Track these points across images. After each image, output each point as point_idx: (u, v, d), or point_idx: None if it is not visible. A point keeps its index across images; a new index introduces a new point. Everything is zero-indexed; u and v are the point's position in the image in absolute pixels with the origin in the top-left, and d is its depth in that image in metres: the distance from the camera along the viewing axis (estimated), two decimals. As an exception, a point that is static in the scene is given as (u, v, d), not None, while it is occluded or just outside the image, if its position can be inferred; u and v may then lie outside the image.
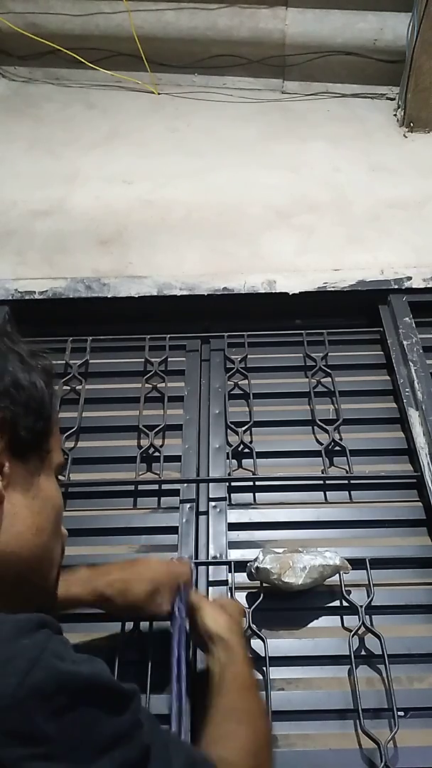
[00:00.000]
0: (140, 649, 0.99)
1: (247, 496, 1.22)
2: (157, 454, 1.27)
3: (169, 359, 1.43)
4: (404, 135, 2.07)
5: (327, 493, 1.22)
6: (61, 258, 1.67)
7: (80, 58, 2.29)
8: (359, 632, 1.01)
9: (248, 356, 1.43)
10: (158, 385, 1.40)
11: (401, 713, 0.94)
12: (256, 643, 1.01)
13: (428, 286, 1.51)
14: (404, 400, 1.32)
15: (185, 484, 1.22)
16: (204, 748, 0.63)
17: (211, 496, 1.20)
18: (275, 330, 1.50)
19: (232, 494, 1.22)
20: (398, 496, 1.21)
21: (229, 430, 1.31)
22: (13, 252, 1.70)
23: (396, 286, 1.51)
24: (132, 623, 1.01)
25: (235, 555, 1.12)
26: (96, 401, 1.38)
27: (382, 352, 1.46)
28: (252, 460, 1.25)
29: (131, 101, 2.31)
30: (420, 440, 1.25)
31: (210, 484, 1.22)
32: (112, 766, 0.45)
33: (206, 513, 1.18)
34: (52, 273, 1.61)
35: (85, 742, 0.45)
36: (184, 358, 1.45)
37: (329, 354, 1.43)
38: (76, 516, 1.17)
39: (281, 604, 1.05)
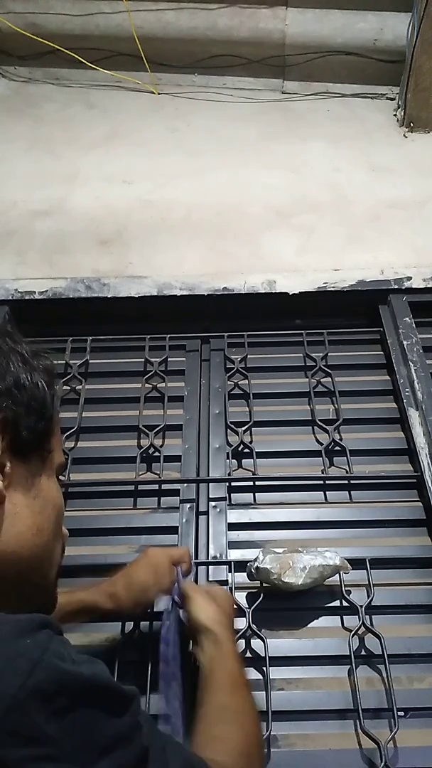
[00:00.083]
0: (140, 649, 0.99)
1: (247, 496, 1.22)
2: (157, 454, 1.27)
3: (169, 359, 1.43)
4: (404, 135, 2.07)
5: (327, 493, 1.22)
6: (61, 258, 1.67)
7: (80, 58, 2.29)
8: (359, 632, 1.01)
9: (248, 356, 1.43)
10: (158, 385, 1.40)
11: (401, 713, 0.94)
12: (256, 643, 1.01)
13: (428, 286, 1.51)
14: (404, 400, 1.32)
15: (185, 484, 1.22)
16: (195, 749, 0.63)
17: (211, 496, 1.21)
18: (275, 330, 1.50)
19: (232, 494, 1.22)
20: (398, 496, 1.21)
21: (229, 430, 1.31)
22: (13, 252, 1.70)
23: (396, 286, 1.51)
24: (132, 623, 1.02)
25: (235, 555, 1.12)
26: (96, 401, 1.38)
27: (382, 352, 1.46)
28: (252, 460, 1.25)
29: (131, 101, 2.31)
30: (420, 440, 1.25)
31: (210, 484, 1.22)
32: (111, 767, 0.45)
33: (206, 513, 1.18)
34: (52, 273, 1.61)
35: (85, 743, 0.45)
36: (184, 358, 1.45)
37: (329, 354, 1.43)
38: (76, 516, 1.17)
39: (281, 604, 1.05)
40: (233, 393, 1.38)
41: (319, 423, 1.31)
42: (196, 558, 1.12)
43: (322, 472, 1.24)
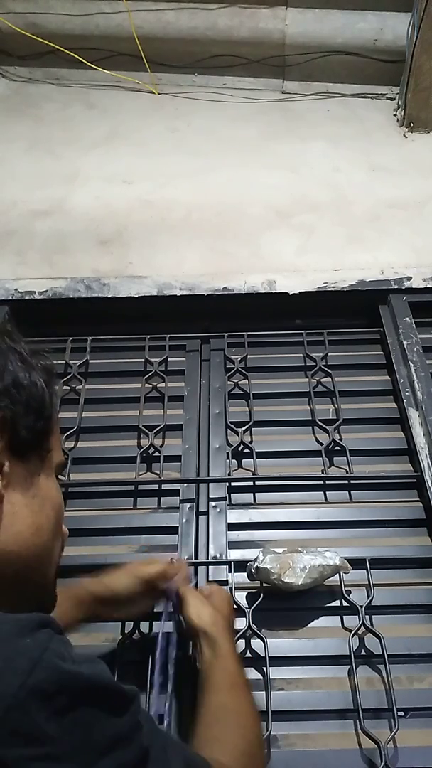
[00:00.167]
0: (140, 650, 0.99)
1: (247, 496, 1.22)
2: (157, 454, 1.27)
3: (169, 359, 1.43)
4: (404, 135, 2.07)
5: (327, 493, 1.22)
6: (61, 258, 1.67)
7: (80, 58, 2.29)
8: (359, 632, 1.01)
9: (248, 356, 1.43)
10: (158, 385, 1.40)
11: (401, 713, 0.94)
12: (256, 643, 1.01)
13: (428, 286, 1.51)
14: (404, 400, 1.32)
15: (185, 484, 1.22)
16: (195, 750, 0.63)
17: (211, 496, 1.20)
18: (275, 330, 1.50)
19: (232, 494, 1.22)
20: (398, 496, 1.21)
21: (229, 430, 1.31)
22: (13, 252, 1.70)
23: (396, 286, 1.51)
24: (132, 623, 1.01)
25: (235, 555, 1.12)
26: (96, 401, 1.38)
27: (382, 352, 1.46)
28: (252, 460, 1.25)
29: (131, 101, 2.31)
30: (420, 440, 1.25)
31: (210, 484, 1.22)
32: (111, 767, 0.45)
33: (206, 513, 1.18)
34: (52, 273, 1.61)
35: (85, 743, 0.45)
36: (184, 358, 1.45)
37: (329, 354, 1.43)
38: (76, 516, 1.17)
39: (281, 604, 1.05)
40: (233, 393, 1.38)
41: (319, 423, 1.31)
42: (196, 558, 1.12)
43: (322, 472, 1.24)
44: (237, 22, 2.20)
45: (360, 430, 1.31)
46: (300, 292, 1.51)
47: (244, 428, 1.30)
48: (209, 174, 1.93)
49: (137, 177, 1.93)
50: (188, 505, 1.19)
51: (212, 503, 1.20)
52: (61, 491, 0.65)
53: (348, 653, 0.98)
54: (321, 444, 1.28)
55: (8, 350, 0.60)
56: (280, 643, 1.02)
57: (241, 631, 0.99)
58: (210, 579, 1.08)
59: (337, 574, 1.05)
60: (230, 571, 1.07)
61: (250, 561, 1.05)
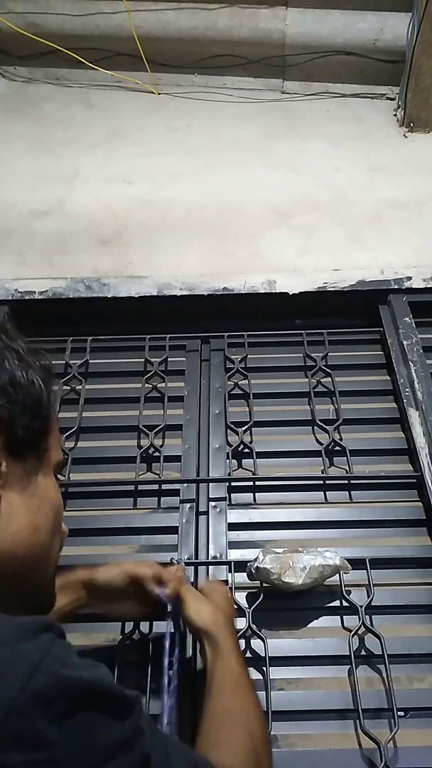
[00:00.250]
0: (140, 651, 0.99)
1: (247, 496, 1.22)
2: (157, 454, 1.27)
3: (169, 359, 1.43)
4: (404, 135, 2.07)
5: (327, 493, 1.22)
6: (61, 258, 1.67)
7: (80, 58, 2.29)
8: (359, 632, 1.01)
9: (248, 356, 1.43)
10: (158, 385, 1.40)
11: (401, 713, 0.94)
12: (256, 643, 1.01)
13: (428, 286, 1.51)
14: (404, 400, 1.32)
15: (185, 484, 1.22)
16: (199, 752, 0.62)
17: (211, 496, 1.20)
18: (275, 330, 1.50)
19: (232, 494, 1.22)
20: (398, 496, 1.21)
21: (229, 430, 1.31)
22: (13, 252, 1.70)
23: (396, 286, 1.51)
24: (132, 624, 1.01)
25: (235, 555, 1.12)
26: (96, 401, 1.38)
27: (382, 352, 1.46)
28: (252, 460, 1.25)
29: (131, 101, 2.31)
30: (420, 440, 1.25)
31: (210, 484, 1.22)
32: None
33: (206, 513, 1.18)
34: (52, 273, 1.61)
35: (86, 749, 0.44)
36: (184, 358, 1.45)
37: (329, 354, 1.43)
38: (76, 516, 1.17)
39: (281, 604, 1.05)
40: (233, 393, 1.38)
41: (319, 423, 1.31)
42: (196, 558, 1.12)
43: (322, 472, 1.24)
44: (237, 22, 2.20)
45: (360, 430, 1.31)
46: (300, 292, 1.51)
47: (244, 428, 1.30)
48: (209, 174, 1.93)
49: (137, 177, 1.93)
50: (188, 505, 1.19)
51: (212, 503, 1.19)
52: (60, 490, 0.65)
53: (348, 653, 0.98)
54: (321, 444, 1.28)
55: (5, 348, 0.59)
56: (280, 643, 1.02)
57: (241, 631, 0.99)
58: (210, 579, 1.08)
59: (337, 574, 1.05)
60: (230, 571, 1.07)
61: (250, 561, 1.05)
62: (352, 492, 1.22)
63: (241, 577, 1.07)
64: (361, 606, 1.02)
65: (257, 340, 1.47)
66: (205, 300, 1.52)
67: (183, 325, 1.50)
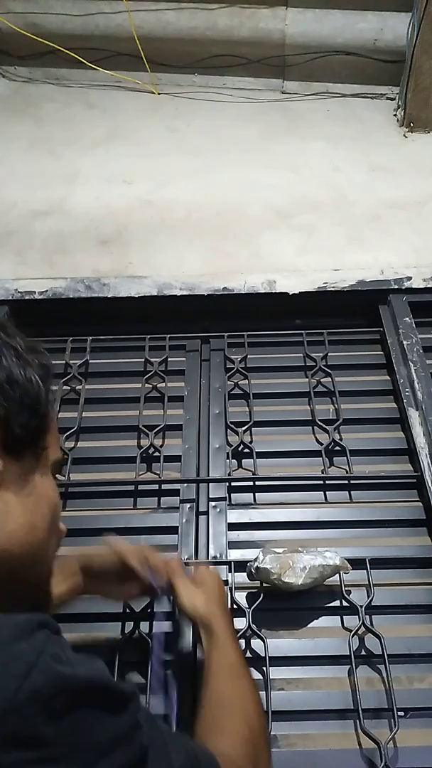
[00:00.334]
0: (140, 650, 0.99)
1: (247, 496, 1.22)
2: (157, 454, 1.27)
3: (169, 359, 1.43)
4: (404, 135, 2.07)
5: (327, 493, 1.22)
6: (61, 258, 1.67)
7: (80, 58, 2.29)
8: (359, 632, 1.01)
9: (248, 356, 1.43)
10: (158, 385, 1.40)
11: (401, 713, 0.94)
12: (256, 643, 1.01)
13: (428, 286, 1.51)
14: (404, 400, 1.32)
15: (185, 484, 1.22)
16: (197, 741, 0.62)
17: (211, 496, 1.20)
18: (275, 330, 1.50)
19: (232, 494, 1.22)
20: (398, 496, 1.21)
21: (229, 430, 1.31)
22: (13, 252, 1.70)
23: (396, 286, 1.51)
24: (132, 623, 1.02)
25: (235, 555, 1.12)
26: (96, 401, 1.38)
27: (382, 352, 1.46)
28: (252, 460, 1.25)
29: (131, 101, 2.31)
30: (420, 440, 1.25)
31: (210, 484, 1.22)
32: None
33: (206, 513, 1.18)
34: (52, 273, 1.61)
35: (84, 745, 0.45)
36: (184, 358, 1.45)
37: (329, 354, 1.43)
38: (76, 516, 1.17)
39: (281, 604, 1.05)
40: (233, 393, 1.38)
41: (319, 423, 1.31)
42: (196, 558, 1.12)
43: (322, 472, 1.24)
44: (237, 22, 2.20)
45: (360, 430, 1.31)
46: (300, 292, 1.51)
47: (244, 428, 1.30)
48: (209, 174, 1.93)
49: (137, 177, 1.93)
50: (188, 505, 1.19)
51: (212, 503, 1.20)
52: (60, 490, 0.64)
53: (348, 653, 0.98)
54: (321, 444, 1.28)
55: (3, 346, 0.58)
56: (280, 643, 1.02)
57: (241, 631, 0.99)
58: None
59: (337, 574, 1.05)
60: (230, 571, 1.07)
61: (250, 561, 1.05)
62: (352, 492, 1.22)
63: (241, 577, 1.07)
64: (361, 606, 1.02)
65: (257, 340, 1.47)
66: (205, 300, 1.52)
67: (183, 325, 1.50)
